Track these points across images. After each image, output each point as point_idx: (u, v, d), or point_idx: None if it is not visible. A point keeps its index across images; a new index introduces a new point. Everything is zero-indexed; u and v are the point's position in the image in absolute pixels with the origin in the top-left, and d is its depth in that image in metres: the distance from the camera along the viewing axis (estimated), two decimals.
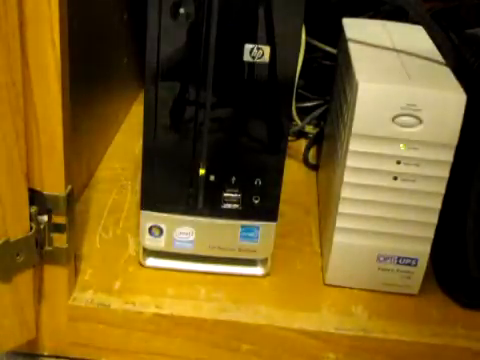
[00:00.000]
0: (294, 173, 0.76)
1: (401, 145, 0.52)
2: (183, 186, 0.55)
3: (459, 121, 0.51)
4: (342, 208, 0.55)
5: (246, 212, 0.55)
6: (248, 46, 0.49)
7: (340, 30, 0.65)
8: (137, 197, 0.63)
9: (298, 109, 0.80)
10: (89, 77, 0.67)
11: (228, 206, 0.55)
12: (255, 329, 0.55)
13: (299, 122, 0.80)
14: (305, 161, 0.78)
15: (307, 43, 0.71)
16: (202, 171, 0.54)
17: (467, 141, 0.53)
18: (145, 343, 0.56)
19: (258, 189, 0.55)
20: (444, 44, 0.58)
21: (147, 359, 0.56)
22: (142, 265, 0.59)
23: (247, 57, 0.50)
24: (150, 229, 0.57)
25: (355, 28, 0.64)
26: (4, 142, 0.45)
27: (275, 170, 0.54)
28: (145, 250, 0.59)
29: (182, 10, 0.48)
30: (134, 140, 0.76)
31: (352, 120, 0.52)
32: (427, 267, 0.58)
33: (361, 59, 0.56)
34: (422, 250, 0.57)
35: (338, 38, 0.67)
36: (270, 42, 0.49)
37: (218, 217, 0.56)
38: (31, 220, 0.49)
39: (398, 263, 0.57)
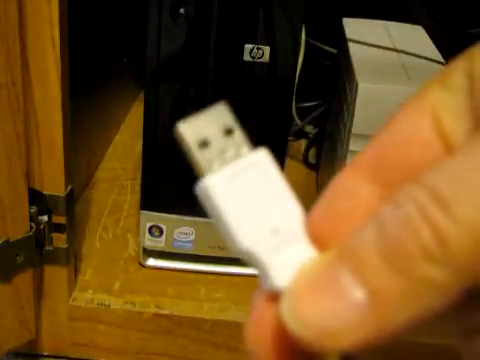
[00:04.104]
0: (294, 173, 0.76)
1: None
2: (183, 186, 0.55)
3: None
4: None
5: None
6: (248, 46, 0.49)
7: (340, 30, 0.65)
8: (137, 197, 0.63)
9: (298, 109, 0.79)
10: (89, 77, 0.67)
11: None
12: None
13: (299, 122, 0.80)
14: (305, 161, 0.78)
15: (307, 43, 0.71)
16: None
17: None
18: (145, 343, 0.56)
19: None
20: (443, 44, 0.58)
21: (147, 359, 0.56)
22: (142, 265, 0.59)
23: (247, 57, 0.50)
24: (150, 229, 0.57)
25: (355, 28, 0.64)
26: (4, 142, 0.45)
27: None
28: (145, 250, 0.59)
29: (182, 10, 0.48)
30: (134, 140, 0.76)
31: (352, 120, 0.52)
32: None
33: (361, 59, 0.56)
34: None
35: (338, 38, 0.67)
36: (270, 42, 0.49)
37: None
38: (31, 220, 0.49)
39: None
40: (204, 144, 0.17)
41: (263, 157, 0.16)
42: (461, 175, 0.14)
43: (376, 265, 0.14)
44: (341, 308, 0.14)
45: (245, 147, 0.17)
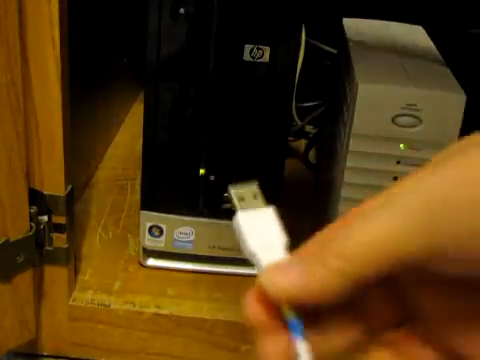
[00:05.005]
0: (294, 173, 0.76)
1: (401, 145, 0.52)
2: (183, 186, 0.55)
3: (459, 121, 0.51)
4: (342, 208, 0.55)
5: None
6: (248, 46, 0.49)
7: (340, 30, 0.65)
8: (137, 197, 0.63)
9: (298, 109, 0.79)
10: (89, 77, 0.67)
11: (228, 206, 0.55)
12: None
13: (299, 122, 0.80)
14: (305, 161, 0.78)
15: (307, 43, 0.71)
16: (202, 171, 0.54)
17: None
18: (145, 343, 0.56)
19: None
20: (443, 44, 0.58)
21: (147, 359, 0.56)
22: (142, 265, 0.59)
23: (247, 57, 0.50)
24: (150, 229, 0.57)
25: (355, 28, 0.64)
26: (4, 142, 0.45)
27: (275, 170, 0.54)
28: (145, 250, 0.59)
29: (182, 10, 0.48)
30: (134, 140, 0.76)
31: (352, 120, 0.52)
32: None
33: (361, 59, 0.56)
34: None
35: (338, 38, 0.67)
36: (270, 42, 0.49)
37: (218, 217, 0.56)
38: (31, 220, 0.49)
39: None
40: (241, 199, 0.28)
41: (270, 209, 0.28)
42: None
43: (310, 259, 0.24)
44: (290, 278, 0.24)
45: (263, 203, 0.28)
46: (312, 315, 0.24)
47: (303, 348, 0.23)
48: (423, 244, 0.22)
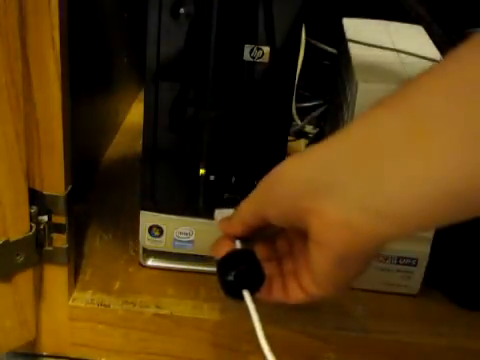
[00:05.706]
0: None
1: None
2: (183, 186, 0.55)
3: None
4: None
5: None
6: (248, 46, 0.49)
7: (340, 30, 0.65)
8: (137, 197, 0.63)
9: (298, 109, 0.79)
10: (89, 77, 0.67)
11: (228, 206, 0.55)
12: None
13: (299, 122, 0.80)
14: None
15: (307, 43, 0.71)
16: (202, 171, 0.54)
17: None
18: (145, 343, 0.56)
19: None
20: (443, 44, 0.58)
21: (147, 359, 0.57)
22: (142, 265, 0.59)
23: (247, 57, 0.50)
24: (150, 229, 0.57)
25: (355, 28, 0.64)
26: (4, 142, 0.45)
27: None
28: (145, 250, 0.59)
29: (182, 10, 0.49)
30: (134, 140, 0.76)
31: (352, 120, 0.52)
32: (427, 267, 0.58)
33: (361, 59, 0.56)
34: (422, 250, 0.57)
35: (338, 38, 0.67)
36: (270, 42, 0.49)
37: None
38: (31, 220, 0.49)
39: (398, 263, 0.57)
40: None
41: (230, 210, 0.44)
42: None
43: (233, 215, 0.43)
44: (227, 224, 0.43)
45: (231, 210, 0.44)
46: (247, 240, 0.43)
47: (238, 242, 0.42)
48: (258, 215, 0.40)
